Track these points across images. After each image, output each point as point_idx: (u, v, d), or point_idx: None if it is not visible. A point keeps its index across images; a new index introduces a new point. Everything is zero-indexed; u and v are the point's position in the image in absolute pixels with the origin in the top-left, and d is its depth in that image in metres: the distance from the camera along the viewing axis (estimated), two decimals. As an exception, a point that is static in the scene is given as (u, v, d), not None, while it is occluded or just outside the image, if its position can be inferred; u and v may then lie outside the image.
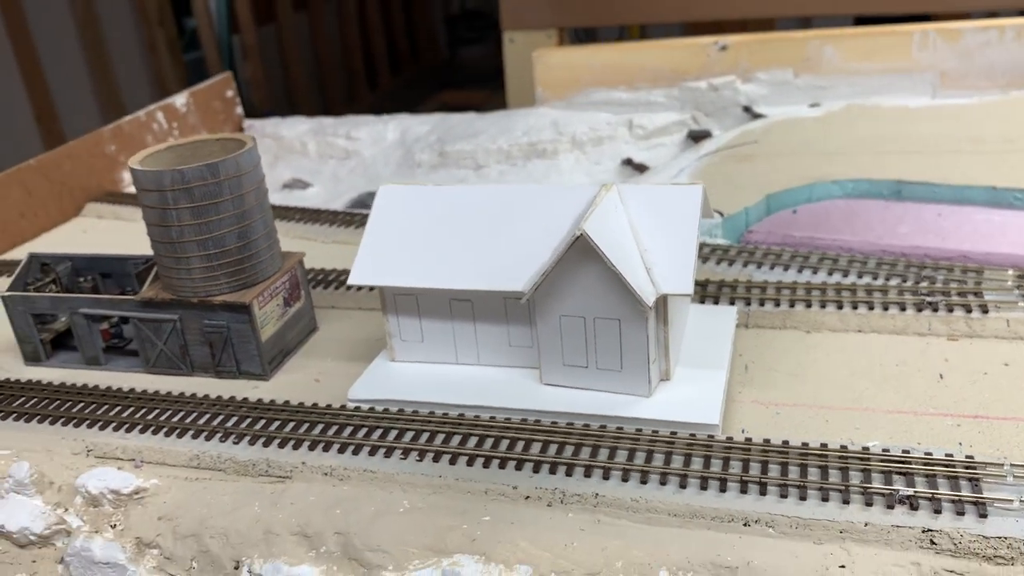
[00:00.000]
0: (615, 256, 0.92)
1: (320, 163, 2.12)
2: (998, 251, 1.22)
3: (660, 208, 0.99)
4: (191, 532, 0.90)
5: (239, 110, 2.33)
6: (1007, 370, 0.99)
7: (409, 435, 0.96)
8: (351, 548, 0.85)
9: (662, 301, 0.95)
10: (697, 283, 1.20)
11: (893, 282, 1.16)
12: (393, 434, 0.97)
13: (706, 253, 1.30)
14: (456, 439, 0.95)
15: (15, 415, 1.09)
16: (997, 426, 0.90)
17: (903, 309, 1.10)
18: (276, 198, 1.90)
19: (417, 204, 1.08)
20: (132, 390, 1.12)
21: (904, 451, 0.86)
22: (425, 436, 0.96)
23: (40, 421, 1.08)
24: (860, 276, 1.19)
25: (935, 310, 1.09)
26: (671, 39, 2.14)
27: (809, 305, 1.13)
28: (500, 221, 1.04)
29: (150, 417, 1.05)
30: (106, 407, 1.08)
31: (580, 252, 0.92)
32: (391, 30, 5.07)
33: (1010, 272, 1.15)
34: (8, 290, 1.21)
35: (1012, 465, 0.82)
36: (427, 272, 1.03)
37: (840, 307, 1.12)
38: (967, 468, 0.82)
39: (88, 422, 1.05)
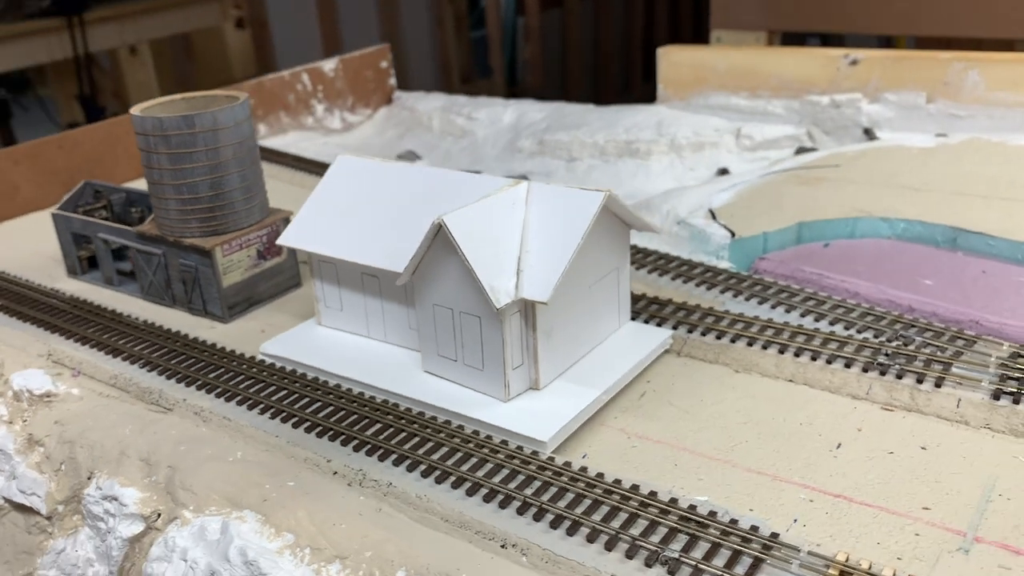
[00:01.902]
0: (479, 252, 0.89)
1: (439, 139, 2.18)
2: (1019, 323, 1.03)
3: (560, 211, 0.95)
4: (70, 439, 1.00)
5: (392, 81, 2.45)
6: (917, 454, 0.85)
7: (267, 392, 1.00)
8: (171, 483, 0.91)
9: (531, 306, 0.91)
10: (653, 301, 1.13)
11: (863, 335, 1.02)
12: (263, 390, 1.01)
13: (694, 274, 1.21)
14: (301, 401, 0.97)
15: (21, 316, 1.26)
16: (854, 511, 0.78)
17: (847, 366, 0.97)
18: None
19: (362, 177, 1.11)
20: (105, 308, 1.24)
21: (711, 512, 0.77)
22: (281, 395, 0.99)
23: (35, 324, 1.23)
24: (832, 324, 1.06)
25: (882, 373, 0.95)
26: (800, 47, 1.97)
27: (750, 343, 1.03)
28: (422, 203, 1.04)
29: (104, 336, 1.16)
30: (78, 321, 1.21)
31: (444, 242, 0.91)
32: (676, 24, 4.99)
33: (1006, 347, 0.97)
34: (58, 209, 1.38)
35: (810, 553, 0.71)
36: (344, 244, 1.05)
37: (782, 351, 1.00)
38: (763, 546, 0.72)
39: (60, 331, 1.19)
